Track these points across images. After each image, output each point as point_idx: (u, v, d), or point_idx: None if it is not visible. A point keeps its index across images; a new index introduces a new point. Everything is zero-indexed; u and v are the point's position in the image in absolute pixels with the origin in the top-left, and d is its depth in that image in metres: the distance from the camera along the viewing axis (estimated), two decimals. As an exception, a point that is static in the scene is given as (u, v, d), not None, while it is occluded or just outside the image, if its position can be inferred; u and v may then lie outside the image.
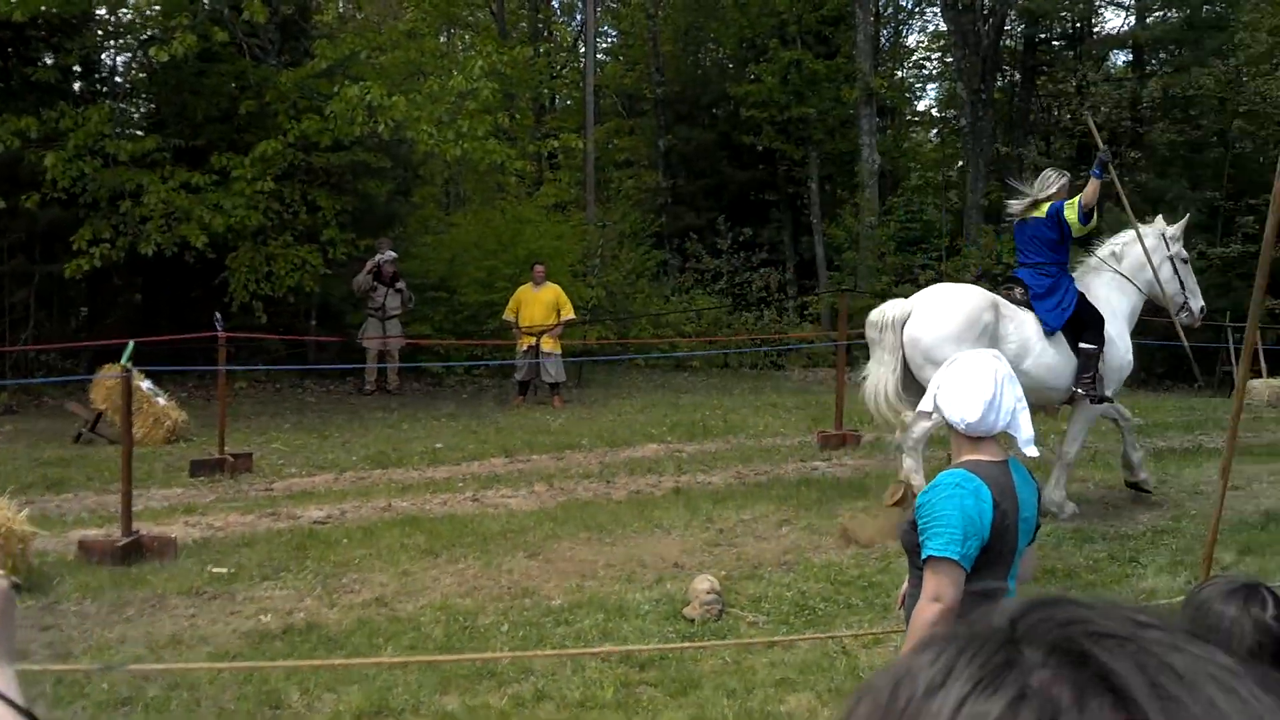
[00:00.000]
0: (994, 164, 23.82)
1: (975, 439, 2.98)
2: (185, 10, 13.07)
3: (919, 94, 31.58)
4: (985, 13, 23.67)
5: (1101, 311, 7.89)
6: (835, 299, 14.26)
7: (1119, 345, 8.08)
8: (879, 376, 7.77)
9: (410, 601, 6.11)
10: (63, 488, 8.92)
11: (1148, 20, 24.97)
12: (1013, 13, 24.42)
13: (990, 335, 7.56)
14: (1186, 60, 22.20)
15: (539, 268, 14.86)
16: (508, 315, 14.74)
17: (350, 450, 10.88)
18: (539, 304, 14.56)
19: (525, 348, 14.43)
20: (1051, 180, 7.93)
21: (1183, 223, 8.50)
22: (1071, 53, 26.29)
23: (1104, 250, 8.38)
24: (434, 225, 19.83)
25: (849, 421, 11.66)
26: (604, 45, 31.34)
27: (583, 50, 23.22)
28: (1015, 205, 8.06)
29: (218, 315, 10.59)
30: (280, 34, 15.90)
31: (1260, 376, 15.94)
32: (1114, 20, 32.18)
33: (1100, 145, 8.07)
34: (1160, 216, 8.50)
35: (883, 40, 30.12)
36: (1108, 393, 7.95)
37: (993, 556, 2.87)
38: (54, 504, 8.36)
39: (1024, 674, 0.48)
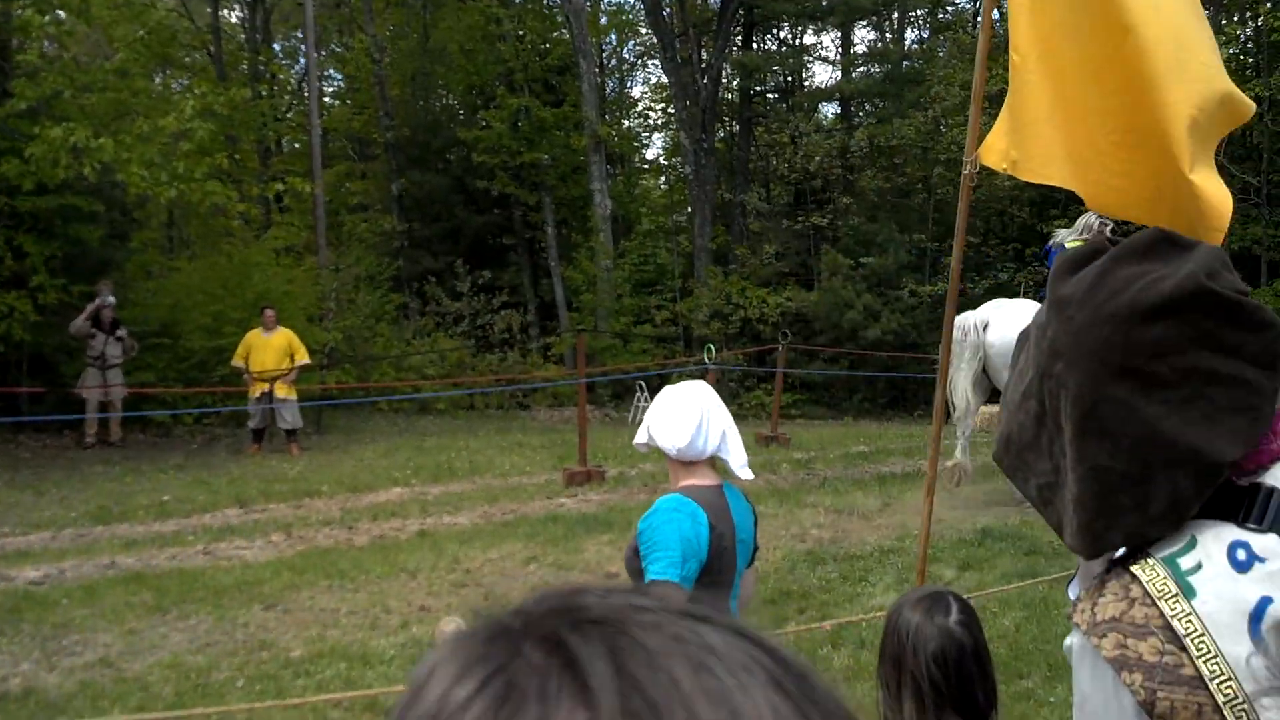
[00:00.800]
0: (718, 209, 24.88)
1: (689, 464, 3.10)
2: None
3: (646, 143, 32.64)
4: (703, 66, 24.78)
5: None
6: (575, 339, 14.53)
7: None
8: (955, 373, 9.37)
9: (137, 660, 5.76)
10: None
11: (853, 74, 26.81)
12: (728, 66, 25.65)
13: None
14: (889, 112, 23.95)
15: (269, 312, 14.38)
16: (237, 361, 14.16)
17: (69, 506, 10.13)
18: (270, 349, 14.07)
19: (258, 394, 13.91)
20: (1095, 226, 9.38)
21: None
22: (785, 105, 27.87)
23: None
24: (155, 270, 18.81)
25: (594, 458, 11.86)
26: (330, 89, 30.78)
27: (307, 93, 22.74)
28: (1061, 234, 9.08)
29: (-92, 368, 9.69)
30: (-22, 73, 14.77)
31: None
32: (822, 75, 34.37)
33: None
34: None
35: (609, 90, 31.00)
36: None
37: (713, 578, 2.96)
38: None
39: (499, 661, 0.49)
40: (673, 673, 0.47)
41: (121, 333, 14.45)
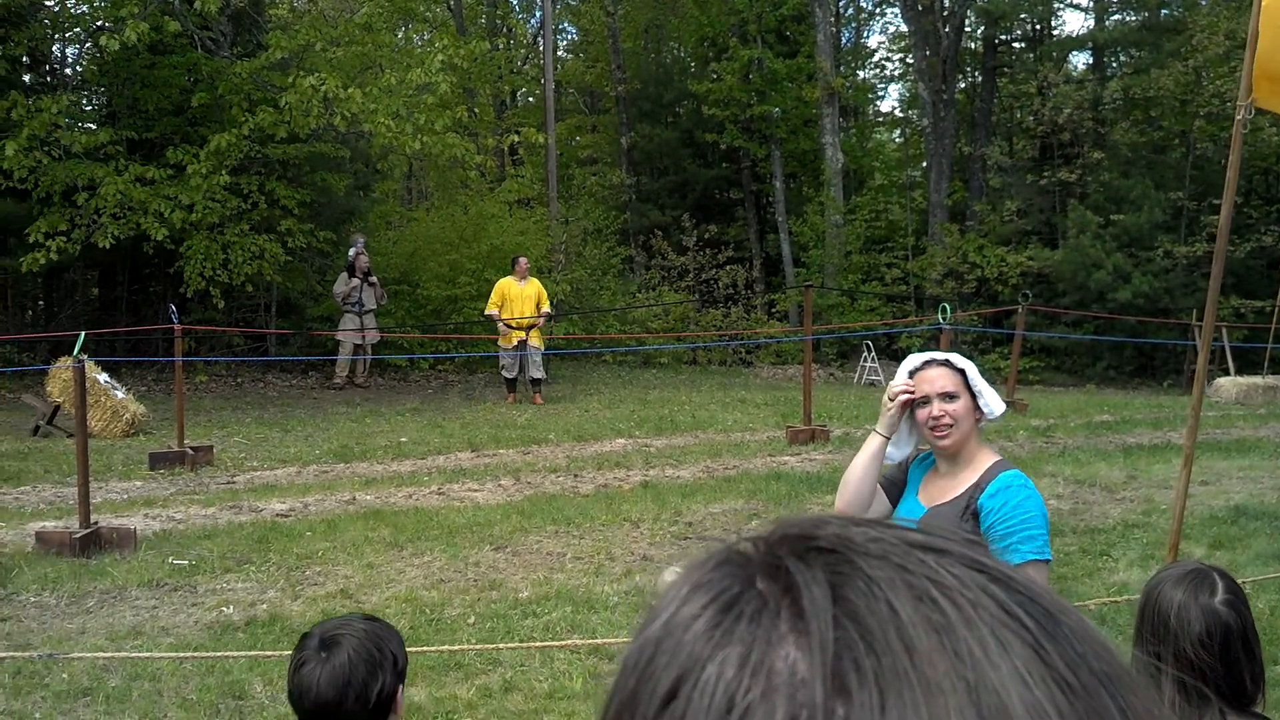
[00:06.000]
0: (957, 164, 23.94)
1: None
2: (135, 0, 12.82)
3: (881, 94, 31.77)
4: (945, 14, 23.78)
5: None
6: (801, 296, 14.26)
7: None
8: None
9: (375, 593, 5.99)
10: (20, 480, 8.78)
11: (1106, 23, 25.16)
12: (972, 14, 24.55)
13: None
14: (1145, 62, 22.37)
15: (524, 261, 14.42)
16: (491, 309, 14.09)
17: (313, 444, 10.72)
18: (524, 299, 14.09)
19: (515, 343, 13.93)
20: None
21: None
22: (1032, 54, 26.46)
23: None
24: (395, 220, 19.66)
25: (818, 417, 11.63)
26: (564, 42, 31.25)
27: (542, 46, 23.16)
28: None
29: (172, 307, 10.40)
30: (233, 26, 15.67)
31: (1229, 374, 16.17)
32: (1073, 22, 32.47)
33: None
34: None
35: (844, 40, 30.21)
36: None
37: None
38: (11, 496, 8.23)
39: (724, 585, 0.48)
40: (892, 603, 0.44)
41: (374, 279, 15.12)
